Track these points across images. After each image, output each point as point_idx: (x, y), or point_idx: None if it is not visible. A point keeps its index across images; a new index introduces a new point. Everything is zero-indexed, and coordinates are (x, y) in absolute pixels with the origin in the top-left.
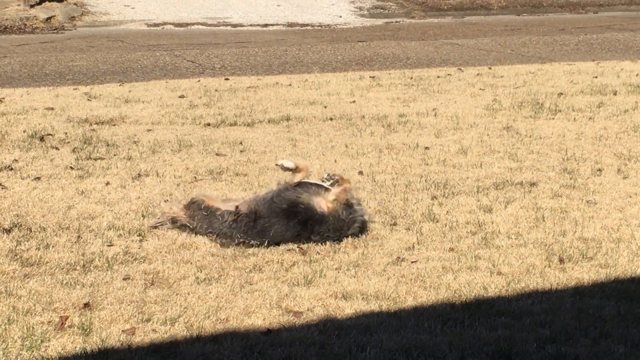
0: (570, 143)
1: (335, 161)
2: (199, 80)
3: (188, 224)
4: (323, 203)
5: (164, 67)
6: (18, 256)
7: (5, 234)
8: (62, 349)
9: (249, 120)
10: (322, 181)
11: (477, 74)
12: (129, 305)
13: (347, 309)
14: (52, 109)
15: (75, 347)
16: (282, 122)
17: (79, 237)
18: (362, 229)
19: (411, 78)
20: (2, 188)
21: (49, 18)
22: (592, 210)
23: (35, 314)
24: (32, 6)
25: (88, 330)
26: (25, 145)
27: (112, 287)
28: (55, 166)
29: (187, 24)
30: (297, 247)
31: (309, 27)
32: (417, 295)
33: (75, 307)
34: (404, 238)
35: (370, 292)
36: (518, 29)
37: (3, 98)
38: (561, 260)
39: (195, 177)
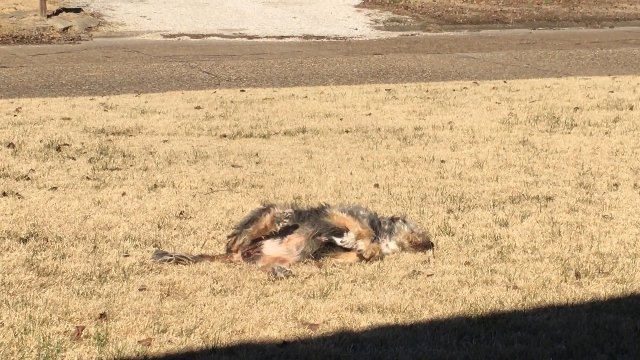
0: (587, 157)
1: (351, 174)
2: (214, 92)
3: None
4: None
5: (180, 78)
6: (34, 266)
7: (22, 243)
8: (79, 359)
9: (265, 132)
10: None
11: (493, 88)
12: (145, 315)
13: (362, 322)
14: (69, 119)
15: (92, 358)
16: (298, 134)
17: (95, 247)
18: None
19: (427, 91)
20: (19, 198)
21: (66, 28)
22: (609, 225)
23: (51, 323)
24: (49, 16)
25: (104, 340)
26: (42, 155)
27: (128, 297)
28: (71, 176)
29: (203, 36)
30: (313, 259)
31: (324, 40)
32: (432, 308)
33: (91, 317)
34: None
35: (386, 305)
36: (534, 42)
37: (20, 108)
38: (577, 275)
39: (212, 189)
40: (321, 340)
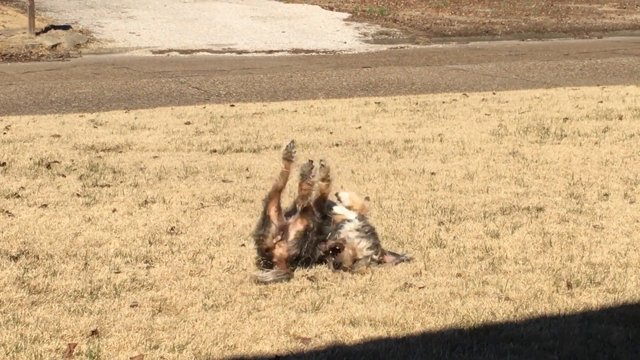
0: (577, 168)
1: (342, 187)
2: (204, 107)
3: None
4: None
5: (169, 94)
6: (25, 284)
7: (13, 261)
8: None
9: (255, 146)
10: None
11: (483, 99)
12: (136, 332)
13: (355, 335)
14: (59, 136)
15: None
16: None
17: (86, 264)
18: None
19: (416, 104)
20: (9, 215)
21: (55, 45)
22: (599, 235)
23: (43, 341)
24: (37, 34)
25: (96, 357)
26: (32, 172)
27: (119, 314)
28: (61, 193)
29: (192, 51)
30: (305, 273)
31: (313, 53)
32: (425, 321)
33: (83, 335)
34: (411, 264)
35: (378, 318)
36: (522, 54)
37: (9, 126)
38: (569, 286)
39: (202, 204)
40: (313, 355)
